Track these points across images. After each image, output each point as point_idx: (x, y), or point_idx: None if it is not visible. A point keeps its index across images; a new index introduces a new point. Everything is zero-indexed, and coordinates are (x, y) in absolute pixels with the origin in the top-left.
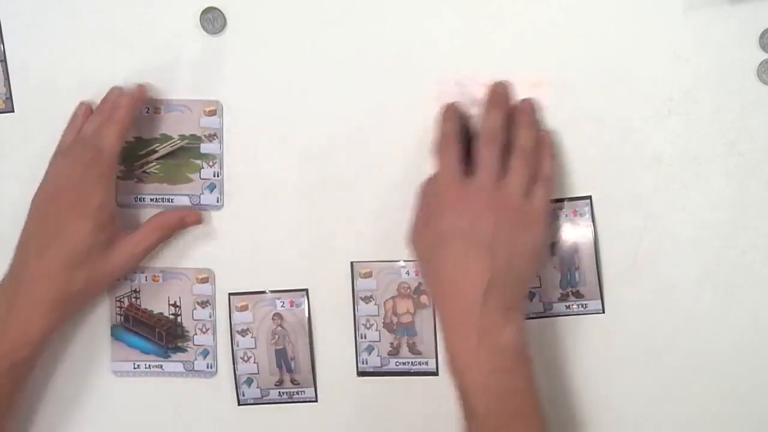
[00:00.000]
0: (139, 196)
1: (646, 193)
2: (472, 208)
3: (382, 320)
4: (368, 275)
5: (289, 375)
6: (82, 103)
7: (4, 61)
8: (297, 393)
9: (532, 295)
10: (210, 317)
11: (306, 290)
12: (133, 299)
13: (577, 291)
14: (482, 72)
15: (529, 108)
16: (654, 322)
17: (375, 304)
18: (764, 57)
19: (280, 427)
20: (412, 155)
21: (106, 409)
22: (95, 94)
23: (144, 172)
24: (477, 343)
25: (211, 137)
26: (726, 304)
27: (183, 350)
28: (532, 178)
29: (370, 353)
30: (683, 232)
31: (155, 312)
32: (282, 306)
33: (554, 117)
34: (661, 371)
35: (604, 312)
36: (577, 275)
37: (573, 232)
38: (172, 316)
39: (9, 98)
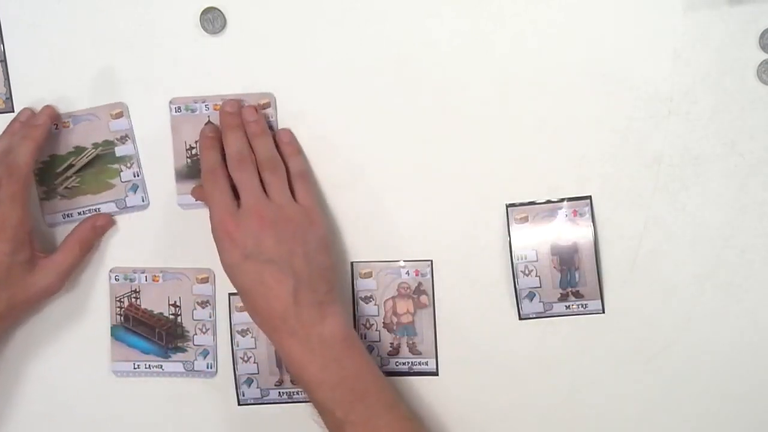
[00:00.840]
0: (66, 213)
1: (646, 193)
2: (251, 233)
3: (382, 320)
4: (368, 275)
5: (288, 375)
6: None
7: (4, 61)
8: (297, 393)
9: (532, 295)
10: (210, 317)
11: None
12: (133, 299)
13: (577, 291)
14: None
15: (253, 115)
16: (654, 322)
17: (375, 304)
18: (764, 57)
19: (279, 427)
20: (412, 155)
21: (106, 409)
22: (95, 94)
23: (66, 188)
24: (303, 345)
25: (123, 139)
26: (726, 304)
27: (183, 350)
28: (286, 180)
29: (370, 353)
30: (683, 232)
31: (155, 312)
32: None
33: (554, 117)
34: (661, 371)
35: (604, 312)
36: (577, 275)
37: (573, 232)
38: (172, 316)
39: (9, 98)
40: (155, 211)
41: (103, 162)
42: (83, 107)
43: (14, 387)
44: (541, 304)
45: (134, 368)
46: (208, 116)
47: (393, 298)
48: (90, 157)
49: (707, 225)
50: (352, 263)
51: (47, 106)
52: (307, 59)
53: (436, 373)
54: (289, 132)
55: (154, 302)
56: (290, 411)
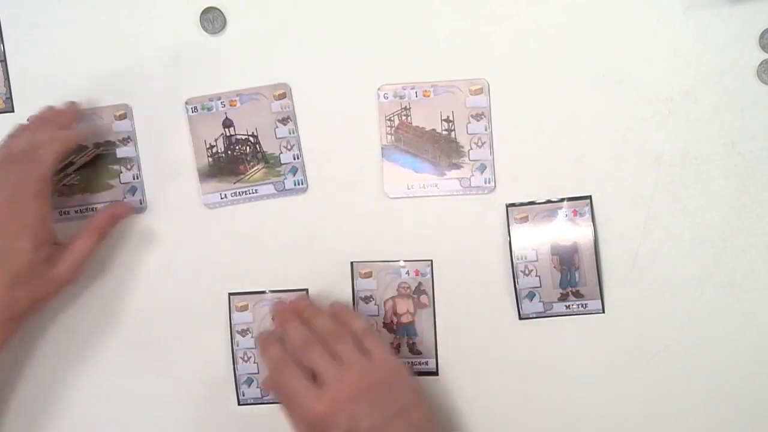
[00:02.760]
0: (63, 210)
1: (646, 193)
2: (341, 408)
3: (382, 320)
4: (368, 275)
5: None
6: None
7: (4, 61)
8: None
9: (532, 295)
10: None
11: (306, 290)
12: None
13: (577, 291)
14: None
15: (303, 303)
16: (654, 322)
17: (375, 304)
18: (764, 57)
19: (280, 427)
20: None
21: (109, 410)
22: (95, 94)
23: (64, 185)
24: None
25: (126, 140)
26: (726, 304)
27: None
28: (354, 344)
29: None
30: (683, 232)
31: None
32: None
33: (554, 117)
34: (661, 371)
35: (604, 312)
36: (577, 275)
37: (573, 232)
38: None
39: (9, 98)
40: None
41: (103, 162)
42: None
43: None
44: (541, 304)
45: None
46: (225, 113)
47: (393, 298)
48: (90, 156)
49: (707, 225)
50: (352, 263)
51: (72, 103)
52: (307, 59)
53: (436, 373)
54: (339, 305)
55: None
56: None
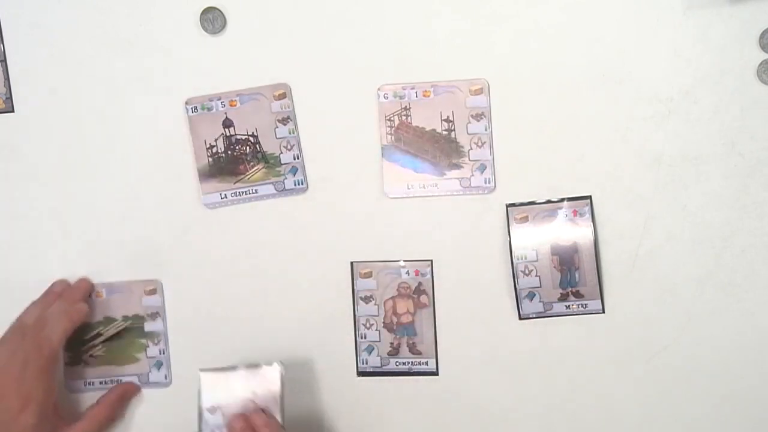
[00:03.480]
0: (88, 381)
1: (646, 193)
2: None
3: (382, 320)
4: (368, 275)
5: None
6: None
7: (4, 61)
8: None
9: (532, 295)
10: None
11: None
12: None
13: (577, 291)
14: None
15: (263, 422)
16: (654, 322)
17: (375, 304)
18: (764, 57)
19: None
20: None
21: None
22: (95, 94)
23: (91, 356)
24: None
25: (154, 315)
26: (726, 304)
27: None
28: None
29: (370, 353)
30: (683, 232)
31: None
32: None
33: (554, 117)
34: (661, 371)
35: (604, 312)
36: (577, 275)
37: (573, 232)
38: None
39: (9, 98)
40: (154, 213)
41: (131, 335)
42: (118, 279)
43: None
44: (541, 304)
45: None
46: (225, 113)
47: (393, 298)
48: (118, 329)
49: (707, 225)
50: (352, 263)
51: (83, 280)
52: (307, 59)
53: (436, 373)
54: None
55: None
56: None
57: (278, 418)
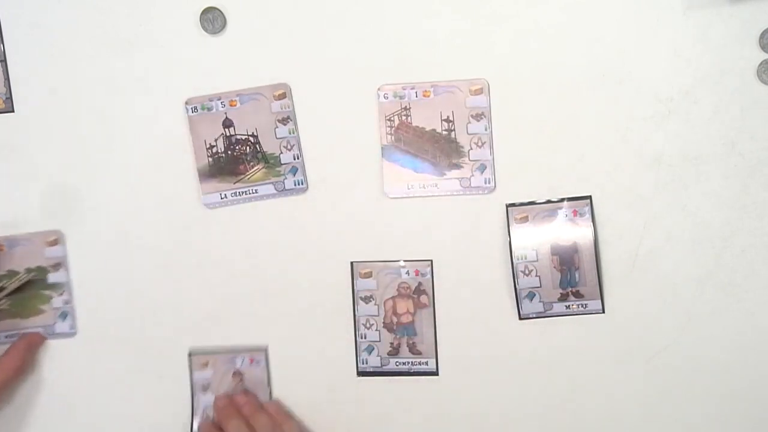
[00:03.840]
0: None
1: (646, 193)
2: None
3: (382, 320)
4: (368, 275)
5: None
6: None
7: (4, 61)
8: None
9: (532, 295)
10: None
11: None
12: None
13: (577, 291)
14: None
15: (244, 398)
16: (654, 322)
17: (375, 304)
18: (764, 57)
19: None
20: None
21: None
22: (95, 94)
23: None
24: None
25: (57, 266)
26: (726, 304)
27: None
28: None
29: (370, 353)
30: (683, 232)
31: None
32: None
33: (554, 117)
34: (661, 371)
35: (604, 312)
36: (577, 275)
37: (573, 232)
38: None
39: (9, 98)
40: (154, 213)
41: (34, 287)
42: (23, 231)
43: None
44: (541, 304)
45: None
46: (225, 113)
47: (393, 298)
48: (22, 282)
49: (707, 225)
50: (352, 263)
51: None
52: (307, 59)
53: (436, 373)
54: (276, 404)
55: None
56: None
57: (267, 399)
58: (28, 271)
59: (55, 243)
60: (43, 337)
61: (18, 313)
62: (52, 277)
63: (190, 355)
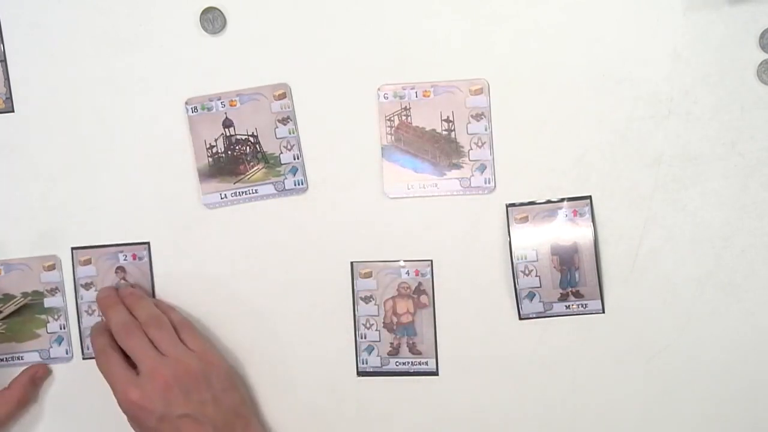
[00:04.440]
0: None
1: (646, 193)
2: (157, 395)
3: (382, 320)
4: (368, 275)
5: None
6: None
7: (4, 61)
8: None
9: (532, 295)
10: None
11: None
12: None
13: (577, 291)
14: (482, 72)
15: (126, 291)
16: (654, 322)
17: (375, 304)
18: (764, 57)
19: (278, 427)
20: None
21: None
22: (95, 94)
23: None
24: None
25: (53, 291)
26: (726, 304)
27: None
28: (174, 332)
29: (370, 353)
30: (683, 232)
31: None
32: None
33: (554, 117)
34: (661, 371)
35: (604, 312)
36: (577, 275)
37: (573, 232)
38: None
39: (9, 98)
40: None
41: (31, 311)
42: (17, 256)
43: None
44: (541, 304)
45: None
46: (225, 113)
47: (393, 298)
48: (18, 306)
49: (707, 225)
50: (352, 263)
51: None
52: (307, 59)
53: (436, 373)
54: (162, 300)
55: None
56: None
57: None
58: (25, 295)
59: (52, 268)
60: (48, 370)
61: (13, 336)
62: (48, 302)
63: None
